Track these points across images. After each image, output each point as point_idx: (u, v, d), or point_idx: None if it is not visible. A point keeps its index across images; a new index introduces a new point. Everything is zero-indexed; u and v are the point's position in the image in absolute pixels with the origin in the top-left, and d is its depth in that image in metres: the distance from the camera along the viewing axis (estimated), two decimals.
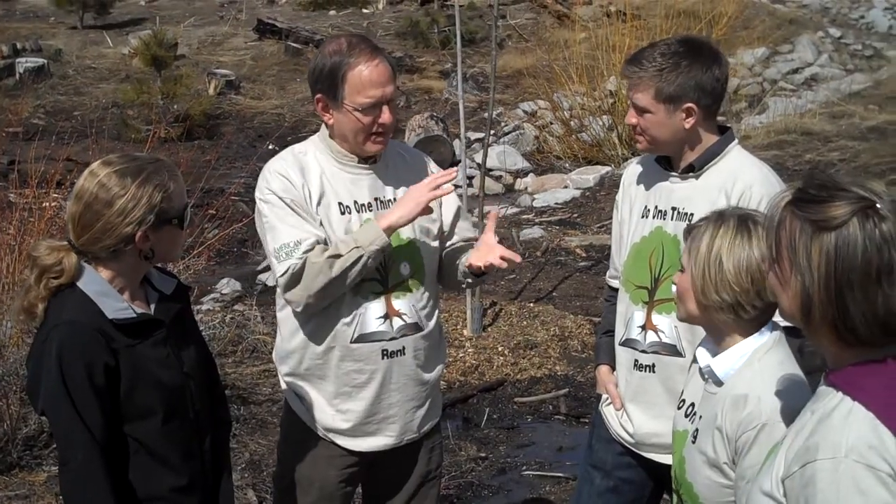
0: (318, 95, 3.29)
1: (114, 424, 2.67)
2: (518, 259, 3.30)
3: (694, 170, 3.24)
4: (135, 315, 2.74)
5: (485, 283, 6.26)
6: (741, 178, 3.17)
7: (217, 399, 3.05)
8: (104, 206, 2.68)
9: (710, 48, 3.25)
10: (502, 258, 3.25)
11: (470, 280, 3.44)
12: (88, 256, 2.74)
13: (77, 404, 2.59)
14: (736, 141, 3.29)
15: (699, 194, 3.21)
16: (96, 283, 2.71)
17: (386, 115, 3.25)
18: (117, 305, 2.71)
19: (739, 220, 2.60)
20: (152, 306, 2.85)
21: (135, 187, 2.68)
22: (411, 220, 3.24)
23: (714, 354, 2.67)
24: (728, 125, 3.44)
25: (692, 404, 2.74)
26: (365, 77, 3.21)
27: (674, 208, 3.26)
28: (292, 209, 3.25)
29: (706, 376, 2.67)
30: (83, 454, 2.59)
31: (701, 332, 3.09)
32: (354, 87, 3.22)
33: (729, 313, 2.60)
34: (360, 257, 3.17)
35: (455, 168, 3.32)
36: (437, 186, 3.22)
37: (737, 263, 2.57)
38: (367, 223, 3.24)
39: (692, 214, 3.18)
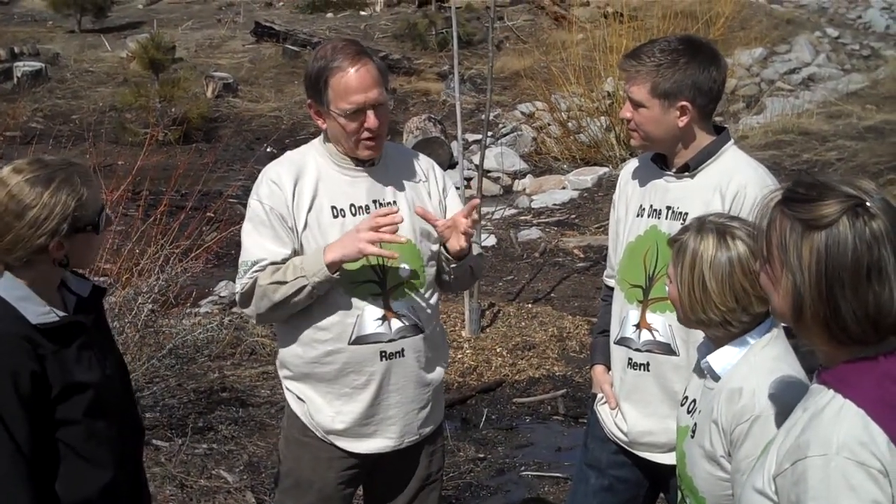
0: (309, 101, 3.33)
1: (42, 432, 2.58)
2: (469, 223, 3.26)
3: (689, 169, 3.25)
4: (58, 319, 2.65)
5: (482, 285, 6.24)
6: (735, 179, 3.17)
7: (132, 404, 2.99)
8: (14, 217, 2.56)
9: (709, 48, 3.25)
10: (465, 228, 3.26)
11: (453, 265, 3.40)
12: None
13: (3, 416, 2.50)
14: (732, 141, 3.30)
15: (694, 194, 3.22)
16: (16, 289, 2.62)
17: (371, 120, 3.22)
18: (40, 310, 2.63)
19: (719, 234, 2.61)
20: (71, 310, 2.76)
21: (46, 196, 2.57)
22: (356, 260, 3.21)
23: (712, 351, 2.69)
24: (725, 125, 3.45)
25: (694, 400, 2.76)
26: (346, 83, 3.20)
27: (668, 207, 3.27)
28: (268, 220, 3.28)
29: (705, 372, 2.70)
30: (7, 467, 2.50)
31: (696, 331, 3.13)
32: (338, 94, 3.21)
33: (717, 329, 2.65)
34: (305, 286, 3.21)
35: (395, 207, 3.26)
36: (379, 227, 3.16)
37: (720, 283, 2.59)
38: (317, 251, 3.23)
39: (686, 214, 3.19)
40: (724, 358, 2.64)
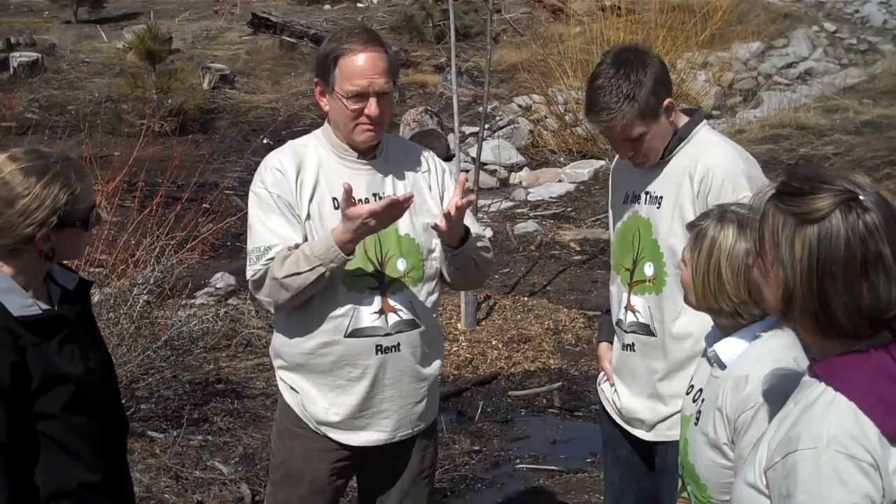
0: (316, 79, 3.34)
1: (21, 423, 2.58)
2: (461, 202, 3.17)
3: (663, 155, 3.31)
4: (40, 312, 2.66)
5: None
6: (702, 161, 3.23)
7: (117, 399, 2.99)
8: (5, 205, 2.58)
9: (634, 49, 3.30)
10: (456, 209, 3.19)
11: (453, 255, 3.34)
12: None
13: None
14: (703, 122, 3.35)
15: (667, 178, 3.29)
16: (0, 280, 2.63)
17: (372, 108, 3.22)
18: (23, 302, 2.63)
19: (740, 224, 2.62)
20: (55, 302, 2.76)
21: (39, 188, 2.58)
22: (363, 238, 3.18)
23: (720, 339, 2.71)
24: (696, 108, 3.49)
25: (700, 389, 2.77)
26: (354, 65, 3.21)
27: (646, 192, 3.35)
28: (277, 206, 3.26)
29: (712, 361, 2.71)
30: None
31: (670, 312, 3.23)
32: (344, 75, 3.22)
33: (727, 318, 2.66)
34: (322, 274, 3.17)
35: (408, 193, 3.21)
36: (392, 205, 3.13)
37: (735, 274, 2.60)
38: (324, 237, 3.19)
39: (662, 198, 3.28)
40: (731, 347, 2.65)
